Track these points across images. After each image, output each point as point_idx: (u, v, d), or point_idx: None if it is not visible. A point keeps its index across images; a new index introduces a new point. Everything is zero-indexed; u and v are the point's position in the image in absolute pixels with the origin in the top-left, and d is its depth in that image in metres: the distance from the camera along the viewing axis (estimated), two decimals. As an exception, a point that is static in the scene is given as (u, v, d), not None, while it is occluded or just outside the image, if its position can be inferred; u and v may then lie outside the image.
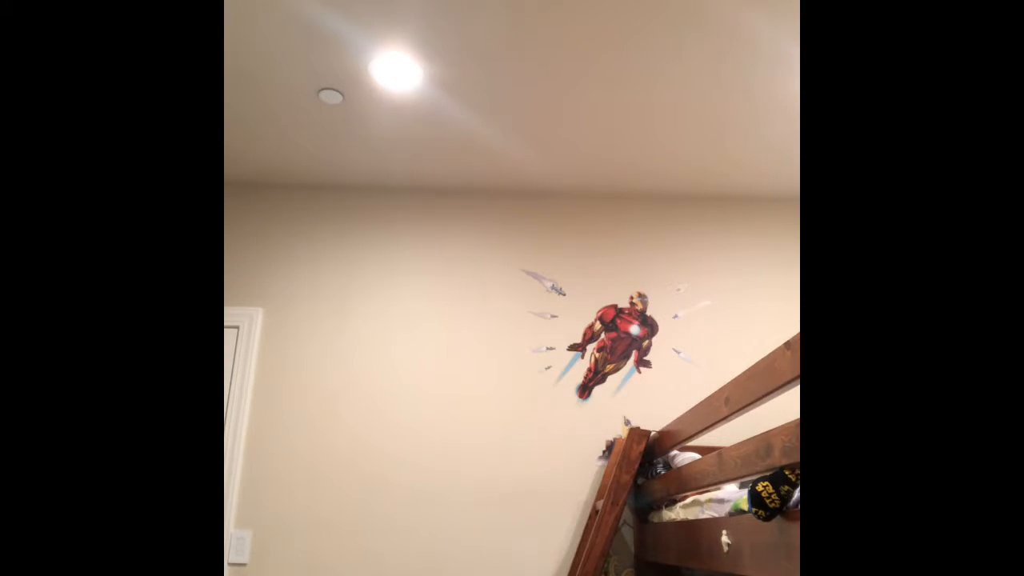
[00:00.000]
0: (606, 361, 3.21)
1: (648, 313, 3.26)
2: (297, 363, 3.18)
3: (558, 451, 3.07)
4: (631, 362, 3.20)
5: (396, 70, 2.55)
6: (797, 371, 1.27)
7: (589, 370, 3.19)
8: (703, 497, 2.01)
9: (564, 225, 3.39)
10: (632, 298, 3.28)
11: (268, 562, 2.93)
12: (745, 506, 1.54)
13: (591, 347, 3.22)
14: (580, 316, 3.25)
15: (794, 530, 1.28)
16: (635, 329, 3.24)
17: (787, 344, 1.30)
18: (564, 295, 3.28)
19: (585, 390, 3.16)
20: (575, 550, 2.92)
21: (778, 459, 1.33)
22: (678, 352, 3.21)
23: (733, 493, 1.79)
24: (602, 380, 3.17)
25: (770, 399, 1.44)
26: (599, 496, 2.86)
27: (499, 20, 2.30)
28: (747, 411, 1.58)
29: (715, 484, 1.82)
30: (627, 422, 3.11)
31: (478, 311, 3.26)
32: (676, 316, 3.25)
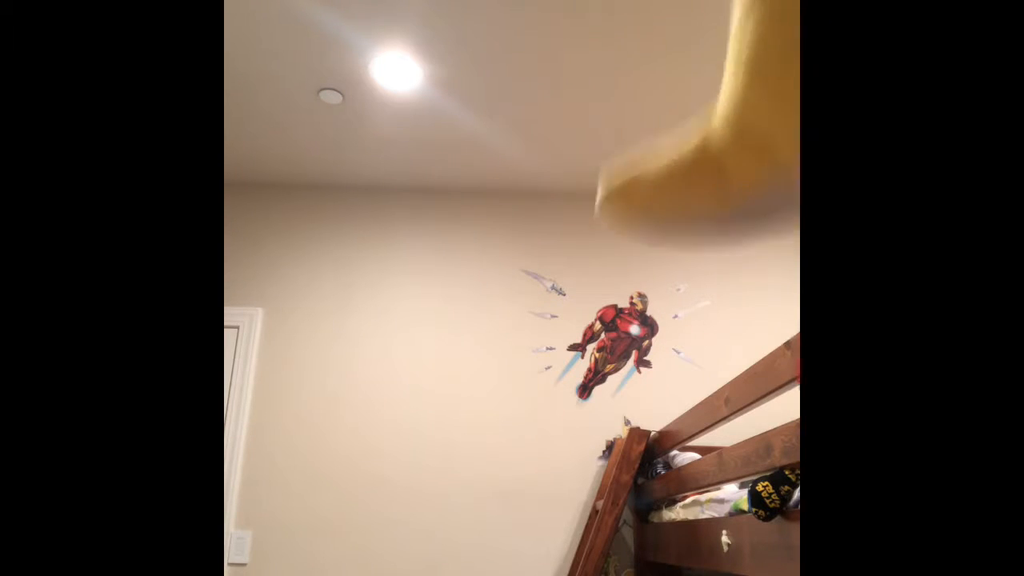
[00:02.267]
0: (606, 361, 3.21)
1: (648, 313, 3.26)
2: (297, 363, 3.18)
3: (558, 451, 3.07)
4: (631, 362, 3.20)
5: (396, 70, 2.55)
6: (797, 371, 1.27)
7: (589, 370, 3.19)
8: (703, 497, 2.01)
9: (564, 225, 3.39)
10: (632, 298, 3.28)
11: (268, 562, 2.93)
12: (745, 506, 1.54)
13: (591, 347, 3.22)
14: (580, 316, 3.25)
15: (794, 530, 1.28)
16: (635, 329, 3.24)
17: (787, 344, 1.30)
18: (564, 295, 3.28)
19: (585, 390, 3.16)
20: (575, 550, 2.92)
21: (778, 459, 1.33)
22: (678, 352, 3.21)
23: (733, 493, 1.79)
24: (602, 380, 3.17)
25: (770, 399, 1.44)
26: (599, 496, 2.86)
27: (499, 20, 2.30)
28: (747, 411, 1.58)
29: (715, 484, 1.82)
30: (627, 422, 3.11)
31: (478, 311, 3.26)
32: (676, 316, 3.26)
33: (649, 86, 2.62)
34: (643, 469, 2.69)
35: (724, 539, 1.64)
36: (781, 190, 0.31)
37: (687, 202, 0.30)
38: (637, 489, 2.79)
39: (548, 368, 3.19)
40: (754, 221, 0.34)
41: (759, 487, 1.34)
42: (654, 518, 2.60)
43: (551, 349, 3.21)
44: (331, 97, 2.72)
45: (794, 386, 1.29)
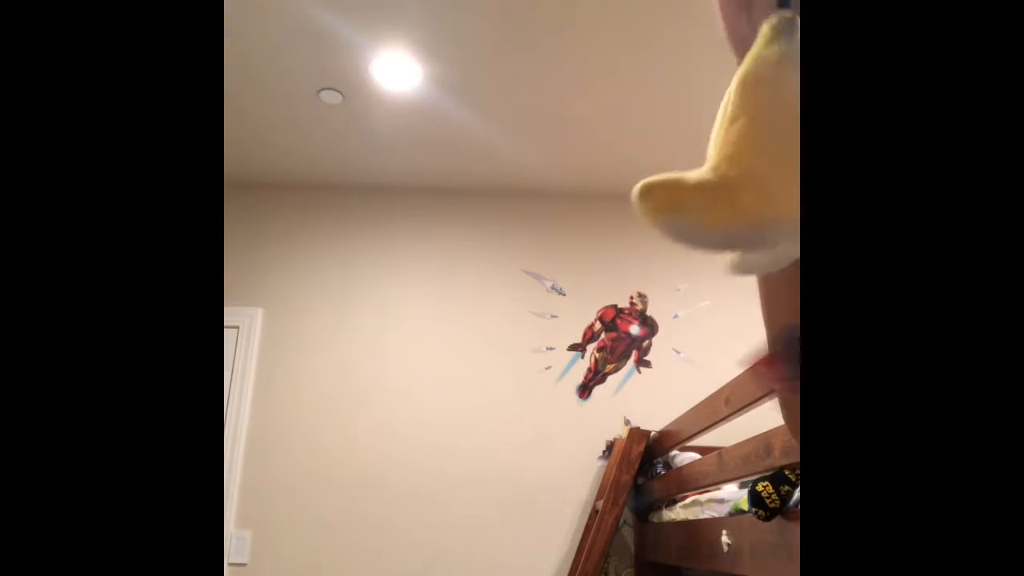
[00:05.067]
0: (606, 361, 3.21)
1: (648, 313, 3.26)
2: (297, 363, 3.18)
3: (558, 451, 3.07)
4: (631, 362, 3.20)
5: (396, 70, 2.55)
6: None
7: (589, 370, 3.19)
8: (703, 497, 2.01)
9: (564, 225, 3.39)
10: (632, 298, 3.28)
11: (268, 562, 2.93)
12: (745, 506, 1.54)
13: (591, 347, 3.22)
14: (580, 316, 3.25)
15: (794, 530, 1.28)
16: (635, 329, 3.24)
17: (787, 344, 1.29)
18: (564, 295, 3.28)
19: (585, 390, 3.16)
20: (575, 550, 2.92)
21: (778, 459, 1.33)
22: (678, 352, 3.21)
23: (733, 493, 1.79)
24: (602, 380, 3.17)
25: (770, 399, 1.44)
26: (599, 496, 2.86)
27: (499, 20, 2.30)
28: (747, 411, 1.58)
29: (715, 484, 1.82)
30: (627, 422, 3.11)
31: (478, 311, 3.25)
32: (676, 316, 3.25)
33: (649, 86, 2.62)
34: (643, 469, 2.69)
35: (724, 539, 1.64)
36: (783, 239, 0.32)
37: (709, 207, 0.33)
38: (637, 489, 2.79)
39: (548, 368, 3.19)
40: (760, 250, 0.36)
41: (759, 487, 1.34)
42: (654, 518, 2.60)
43: (551, 349, 3.21)
44: (331, 97, 2.72)
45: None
